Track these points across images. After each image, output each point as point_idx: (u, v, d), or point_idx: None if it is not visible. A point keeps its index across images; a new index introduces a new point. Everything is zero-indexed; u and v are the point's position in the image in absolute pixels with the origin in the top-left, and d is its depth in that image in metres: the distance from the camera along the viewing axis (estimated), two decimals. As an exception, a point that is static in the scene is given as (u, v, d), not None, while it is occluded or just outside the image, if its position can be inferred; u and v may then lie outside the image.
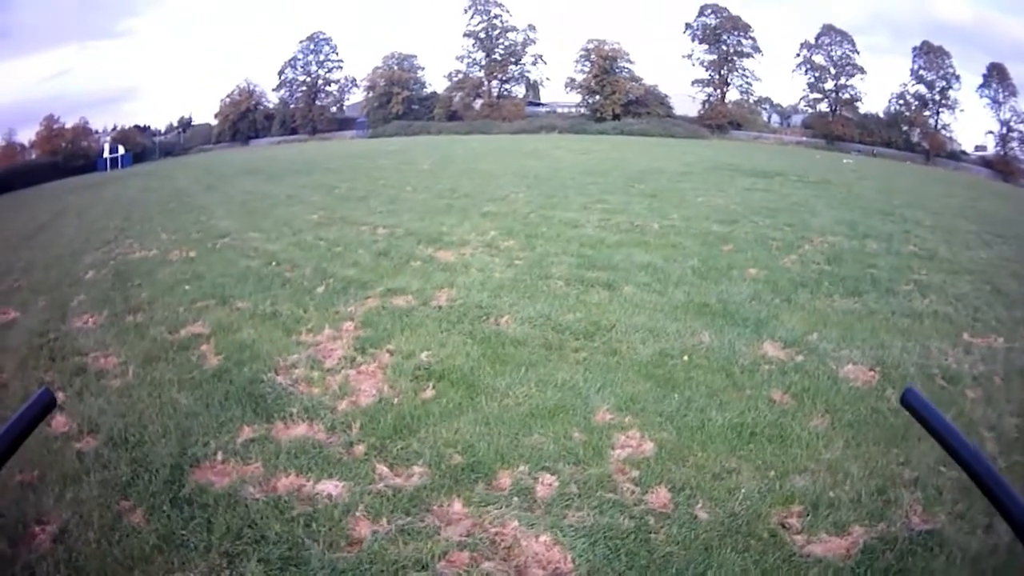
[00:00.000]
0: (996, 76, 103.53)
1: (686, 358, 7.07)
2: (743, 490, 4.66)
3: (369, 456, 4.82)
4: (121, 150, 52.29)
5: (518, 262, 11.10)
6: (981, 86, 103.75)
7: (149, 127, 77.26)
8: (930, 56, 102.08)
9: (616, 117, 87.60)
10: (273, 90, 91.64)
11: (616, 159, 31.18)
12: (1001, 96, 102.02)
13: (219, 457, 4.83)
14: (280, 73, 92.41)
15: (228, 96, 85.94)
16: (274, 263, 11.05)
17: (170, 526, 4.01)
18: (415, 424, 5.36)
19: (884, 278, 11.42)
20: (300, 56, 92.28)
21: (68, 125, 53.27)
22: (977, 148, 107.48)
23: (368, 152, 37.36)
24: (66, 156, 48.41)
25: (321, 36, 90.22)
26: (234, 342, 7.27)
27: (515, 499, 4.36)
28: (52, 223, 17.74)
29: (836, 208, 19.37)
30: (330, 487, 4.41)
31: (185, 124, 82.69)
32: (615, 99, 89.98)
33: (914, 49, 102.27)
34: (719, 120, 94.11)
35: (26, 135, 50.87)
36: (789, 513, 4.44)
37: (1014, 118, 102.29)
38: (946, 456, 3.67)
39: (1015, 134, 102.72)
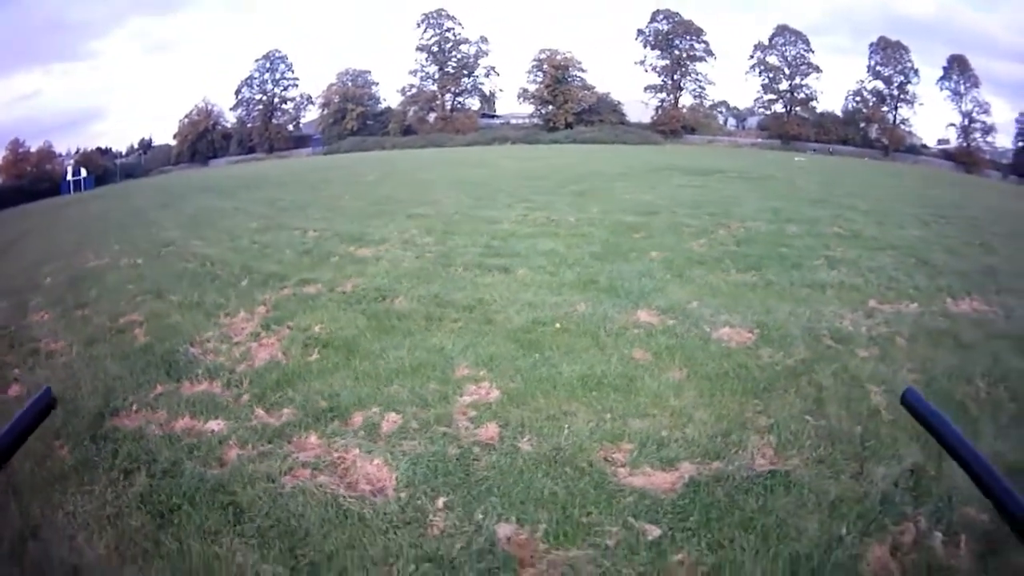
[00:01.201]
0: (957, 68, 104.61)
1: (558, 325, 7.84)
2: (572, 428, 5.24)
3: (251, 403, 5.79)
4: (83, 173, 53.03)
5: (428, 254, 11.90)
6: (941, 78, 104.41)
7: (111, 149, 77.31)
8: (888, 51, 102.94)
9: (569, 126, 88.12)
10: (230, 109, 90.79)
11: (559, 165, 32.13)
12: (963, 87, 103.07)
13: (134, 408, 5.83)
14: (237, 92, 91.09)
15: (187, 116, 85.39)
16: (208, 264, 11.94)
17: (86, 454, 5.03)
18: (295, 379, 6.31)
19: (793, 255, 11.95)
20: (256, 75, 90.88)
21: (33, 149, 53.79)
22: (940, 142, 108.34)
23: (319, 168, 38.49)
24: (31, 180, 49.30)
25: (277, 54, 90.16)
26: (162, 325, 8.30)
27: (361, 432, 5.23)
28: (17, 241, 18.45)
29: (768, 199, 19.87)
30: (214, 425, 5.40)
31: (146, 146, 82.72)
32: (567, 108, 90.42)
33: (871, 45, 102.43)
34: (672, 125, 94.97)
35: None
36: (617, 449, 4.96)
37: (976, 109, 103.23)
38: (813, 405, 5.38)
39: (977, 124, 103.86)
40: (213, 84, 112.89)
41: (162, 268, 11.99)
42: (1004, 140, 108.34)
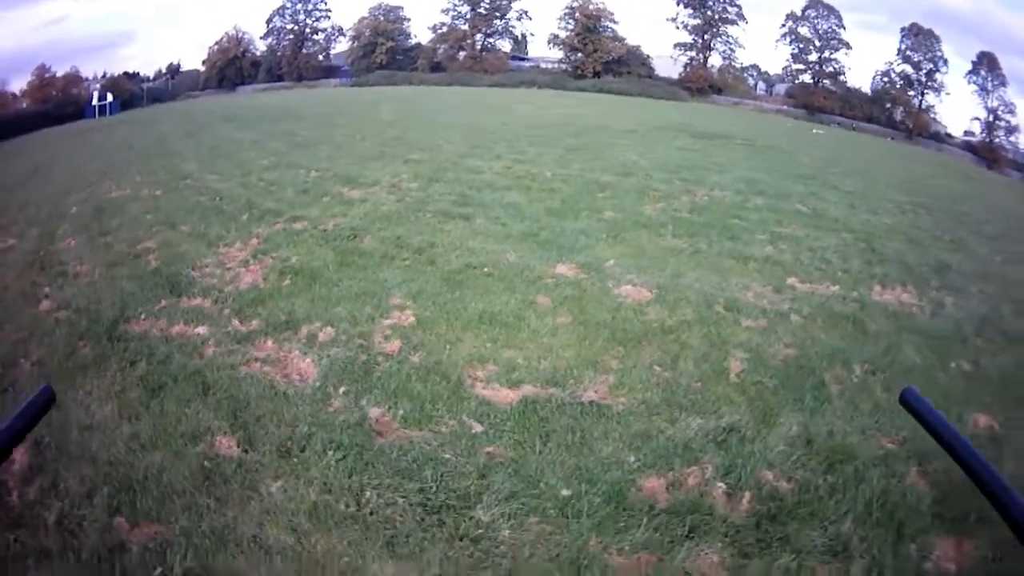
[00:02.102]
0: (986, 64, 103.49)
1: (486, 270, 9.07)
2: (455, 349, 6.73)
3: (230, 315, 7.50)
4: (110, 98, 53.91)
5: (408, 199, 13.01)
6: (970, 72, 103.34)
7: (139, 74, 77.52)
8: (919, 38, 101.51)
9: (597, 75, 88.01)
10: (261, 38, 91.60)
11: (572, 116, 32.45)
12: (990, 85, 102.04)
13: (142, 316, 7.50)
14: (268, 21, 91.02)
15: (216, 43, 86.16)
16: (218, 199, 13.21)
17: (103, 350, 6.72)
18: (267, 299, 7.93)
19: (738, 227, 12.44)
20: (289, 5, 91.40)
21: (60, 74, 53.68)
22: (966, 133, 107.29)
23: (341, 102, 39.42)
24: (56, 104, 49.40)
25: None
26: (171, 253, 9.78)
27: (304, 340, 6.89)
28: (44, 168, 19.59)
29: (756, 170, 20.12)
30: (200, 330, 7.11)
31: (174, 71, 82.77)
32: (596, 57, 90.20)
33: (903, 29, 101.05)
34: (699, 84, 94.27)
35: (18, 84, 51.45)
36: (481, 368, 6.38)
37: (1002, 107, 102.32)
38: (668, 359, 6.83)
39: (1002, 123, 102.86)
40: (244, 12, 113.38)
41: (178, 201, 13.24)
42: None
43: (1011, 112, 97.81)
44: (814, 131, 53.44)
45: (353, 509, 4.37)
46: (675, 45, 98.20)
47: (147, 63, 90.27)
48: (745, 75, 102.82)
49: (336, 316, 7.49)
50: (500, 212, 12.17)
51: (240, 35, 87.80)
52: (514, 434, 5.40)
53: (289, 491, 4.53)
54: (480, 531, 4.35)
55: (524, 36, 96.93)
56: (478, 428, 5.44)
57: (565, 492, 4.73)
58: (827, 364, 7.19)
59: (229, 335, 7.05)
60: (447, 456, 5.05)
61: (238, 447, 5.09)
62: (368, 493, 4.51)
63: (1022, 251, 15.29)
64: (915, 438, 5.64)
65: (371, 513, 4.35)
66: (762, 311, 8.46)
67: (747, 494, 4.90)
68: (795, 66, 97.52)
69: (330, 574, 3.93)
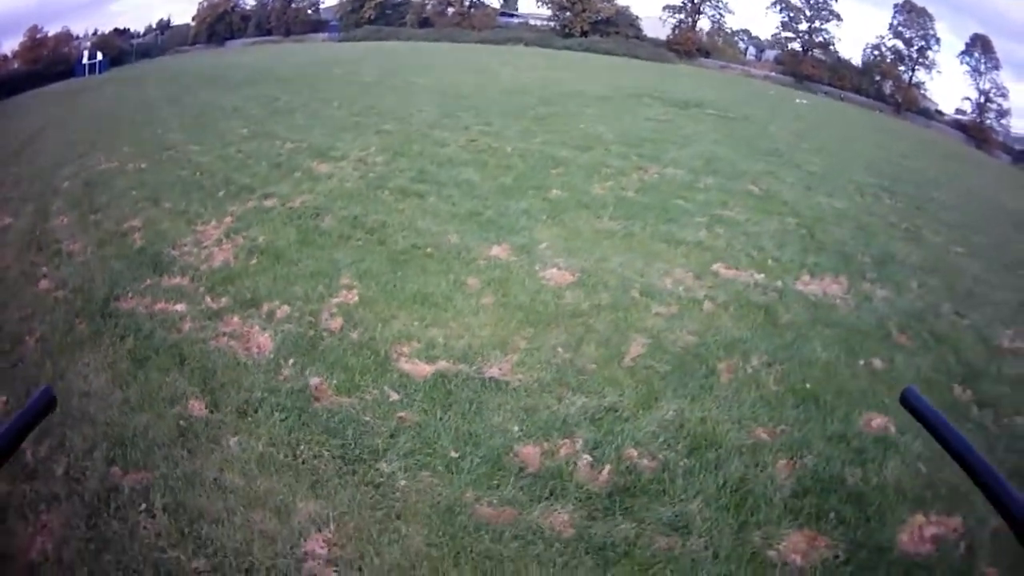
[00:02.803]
0: (980, 47, 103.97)
1: (428, 250, 9.88)
2: (388, 326, 7.66)
3: (204, 293, 8.43)
4: (99, 56, 54.00)
5: (371, 175, 13.65)
6: (963, 53, 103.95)
7: (128, 30, 78.10)
8: (912, 15, 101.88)
9: (584, 34, 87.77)
10: None
11: (551, 79, 32.90)
12: (983, 67, 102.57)
13: (129, 295, 8.48)
14: None
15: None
16: (198, 173, 13.93)
17: (97, 327, 7.77)
18: (236, 278, 8.86)
19: (678, 209, 12.78)
20: None
21: (51, 33, 53.73)
22: (958, 111, 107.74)
23: (326, 60, 39.17)
24: (47, 63, 49.77)
25: None
26: (155, 231, 10.64)
27: (264, 316, 7.84)
28: (36, 137, 20.21)
29: (720, 144, 20.15)
30: (178, 307, 8.10)
31: (164, 26, 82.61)
32: (584, 17, 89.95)
33: (895, 5, 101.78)
34: (687, 47, 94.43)
35: (10, 46, 50.76)
36: (407, 345, 7.30)
37: (994, 90, 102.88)
38: (572, 341, 7.67)
39: (993, 105, 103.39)
40: None
41: (161, 175, 13.95)
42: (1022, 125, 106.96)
43: (1003, 95, 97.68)
44: (797, 100, 53.66)
45: (290, 459, 5.46)
46: (664, 7, 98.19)
47: (138, 20, 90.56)
48: (735, 39, 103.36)
49: (293, 295, 8.41)
50: (453, 191, 12.76)
51: None
52: (423, 403, 6.32)
53: (243, 444, 5.63)
54: (382, 480, 5.32)
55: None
56: (395, 396, 6.41)
57: (454, 453, 5.66)
58: (724, 353, 7.65)
59: (203, 312, 8.05)
60: (367, 419, 6.05)
61: (206, 409, 6.11)
62: (302, 447, 5.60)
63: (983, 243, 15.40)
64: (793, 432, 6.28)
65: (303, 463, 5.43)
66: (676, 297, 8.94)
67: (608, 467, 5.64)
68: (784, 34, 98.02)
69: (269, 508, 4.99)
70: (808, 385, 7.20)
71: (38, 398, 1.65)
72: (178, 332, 7.65)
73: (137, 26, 78.99)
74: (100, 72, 51.63)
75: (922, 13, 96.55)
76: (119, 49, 63.10)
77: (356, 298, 8.43)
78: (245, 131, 17.62)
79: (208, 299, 8.39)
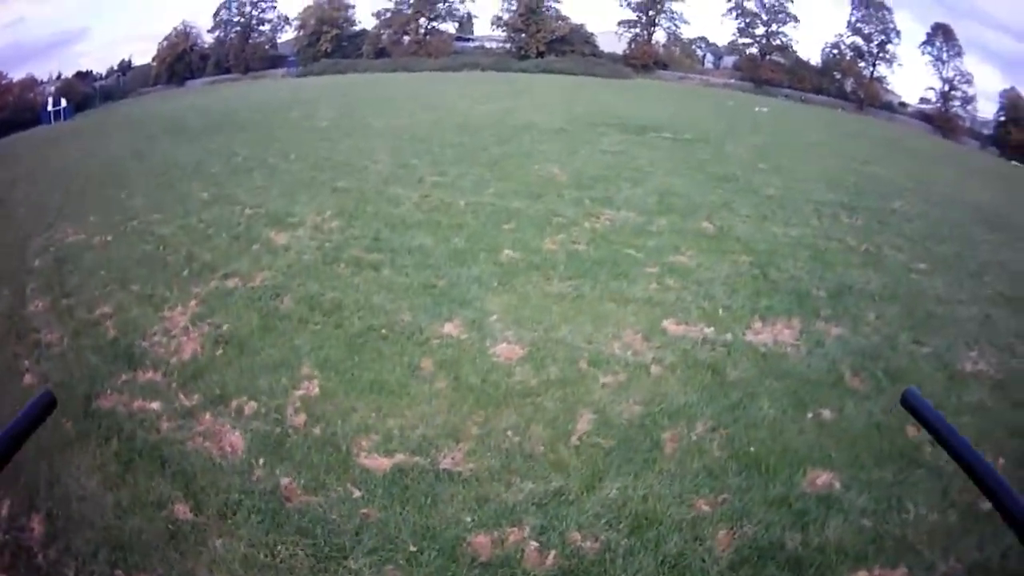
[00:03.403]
0: (941, 35, 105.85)
1: (383, 331, 10.07)
2: (347, 421, 7.94)
3: (176, 390, 8.55)
4: (63, 102, 54.17)
5: (327, 244, 13.72)
6: (924, 43, 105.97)
7: (91, 72, 78.53)
8: (870, 10, 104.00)
9: (540, 55, 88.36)
10: (208, 31, 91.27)
11: (507, 110, 33.54)
12: (945, 55, 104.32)
13: (108, 391, 8.64)
14: (215, 15, 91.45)
15: (165, 39, 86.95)
16: (162, 247, 13.98)
17: (84, 427, 7.95)
18: (205, 371, 9.05)
19: (630, 261, 13.00)
20: None
21: (16, 79, 53.91)
22: (923, 100, 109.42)
23: (284, 101, 39.69)
24: (13, 110, 49.95)
25: None
26: (125, 319, 10.72)
27: (233, 414, 8.11)
28: (6, 199, 20.30)
29: (675, 173, 20.78)
30: (155, 405, 8.27)
31: (125, 67, 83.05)
32: (539, 38, 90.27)
33: (853, 2, 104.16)
34: (644, 60, 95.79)
35: None
36: (365, 437, 7.65)
37: (958, 77, 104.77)
38: (523, 422, 7.96)
39: (957, 93, 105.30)
40: (194, 5, 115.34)
41: (127, 249, 14.07)
42: (991, 108, 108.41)
43: (967, 82, 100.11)
44: (757, 109, 53.28)
45: (269, 559, 5.91)
46: (619, 23, 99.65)
47: (101, 60, 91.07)
48: (693, 47, 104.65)
49: (258, 389, 8.61)
50: (407, 259, 12.86)
51: (188, 29, 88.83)
52: (383, 499, 6.66)
53: (227, 546, 6.05)
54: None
55: (469, 16, 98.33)
56: (357, 493, 6.74)
57: (413, 548, 6.01)
58: (669, 422, 7.79)
59: (177, 411, 8.24)
60: (333, 517, 6.38)
61: (190, 512, 6.47)
62: (279, 547, 6.04)
63: (947, 254, 15.88)
64: (734, 501, 6.49)
65: (281, 562, 5.89)
66: (624, 364, 9.11)
67: (553, 552, 5.92)
68: (742, 40, 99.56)
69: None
70: (752, 449, 7.39)
71: (38, 400, 1.72)
72: (157, 433, 7.91)
73: (100, 67, 79.77)
74: (65, 119, 52.03)
75: (880, 7, 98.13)
76: (83, 94, 63.79)
77: (317, 390, 8.65)
78: (206, 195, 17.74)
79: (181, 396, 8.61)
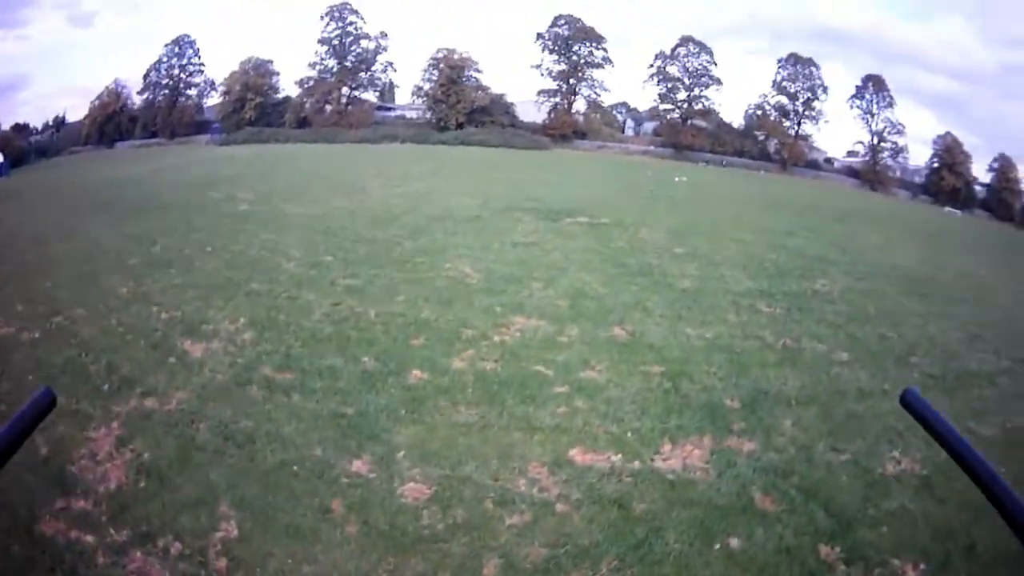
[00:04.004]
0: (872, 87, 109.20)
1: (294, 468, 10.00)
2: (263, 569, 7.88)
3: (107, 523, 8.29)
4: (0, 157, 55.35)
5: (239, 360, 13.57)
6: (853, 97, 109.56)
7: (28, 125, 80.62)
8: (797, 67, 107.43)
9: (460, 126, 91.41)
10: (138, 93, 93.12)
11: (423, 193, 34.90)
12: (875, 107, 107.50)
13: (47, 517, 8.46)
14: (145, 76, 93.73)
15: (98, 98, 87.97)
16: (84, 354, 13.61)
17: (29, 554, 7.83)
18: (131, 504, 8.60)
19: (539, 379, 12.98)
20: (165, 59, 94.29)
21: None
22: (849, 153, 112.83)
23: (205, 177, 40.57)
24: None
25: (186, 39, 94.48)
26: (55, 437, 10.35)
27: (160, 553, 7.71)
28: None
29: (587, 269, 21.06)
30: (89, 538, 7.92)
31: (59, 123, 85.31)
32: (459, 108, 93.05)
33: (779, 60, 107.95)
34: (563, 130, 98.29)
35: None
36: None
37: (888, 129, 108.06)
38: (432, 570, 7.87)
39: (887, 144, 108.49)
40: (128, 64, 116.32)
41: (52, 352, 13.74)
42: (925, 153, 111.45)
43: (899, 132, 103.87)
44: (676, 179, 55.50)
45: None
46: (539, 92, 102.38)
47: (40, 110, 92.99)
48: (614, 112, 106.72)
49: (182, 527, 8.41)
50: (317, 381, 12.63)
51: (120, 89, 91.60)
52: None
53: None
54: None
55: (391, 84, 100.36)
56: None
57: None
58: (575, 564, 7.77)
59: (109, 546, 8.07)
60: None
61: None
62: None
63: (870, 337, 16.55)
64: None
65: None
66: (530, 503, 9.05)
67: None
68: (663, 106, 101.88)
69: None
70: (656, 587, 7.09)
71: (38, 398, 1.70)
72: (95, 568, 7.79)
73: (37, 119, 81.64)
74: (2, 174, 53.44)
75: (808, 63, 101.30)
76: (20, 149, 67.08)
77: (236, 531, 8.50)
78: (125, 290, 17.62)
79: (112, 530, 8.41)
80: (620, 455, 10.25)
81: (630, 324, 16.07)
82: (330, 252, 22.22)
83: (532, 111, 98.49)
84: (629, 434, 10.93)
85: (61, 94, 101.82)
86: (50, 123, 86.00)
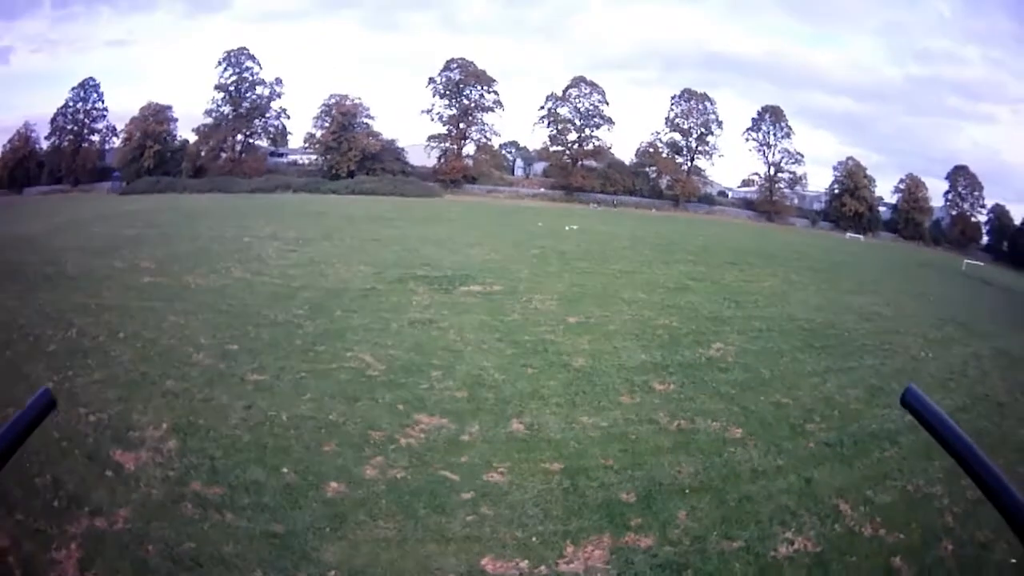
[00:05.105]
0: (769, 118, 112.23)
1: None
2: None
3: None
4: None
5: (171, 474, 13.75)
6: (749, 129, 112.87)
7: None
8: (691, 103, 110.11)
9: (351, 174, 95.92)
10: (45, 138, 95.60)
11: (316, 262, 36.49)
12: (772, 138, 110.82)
13: None
14: (53, 120, 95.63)
15: (9, 142, 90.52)
16: (28, 464, 13.23)
17: None
18: None
19: (446, 486, 13.52)
20: (71, 103, 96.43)
21: None
22: (744, 183, 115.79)
23: (108, 239, 42.29)
24: None
25: (91, 82, 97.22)
26: (23, 556, 10.51)
27: None
28: None
29: (482, 351, 21.92)
30: None
31: None
32: (351, 156, 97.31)
33: (673, 97, 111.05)
34: (454, 175, 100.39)
35: None
36: None
37: (785, 159, 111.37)
38: None
39: (784, 174, 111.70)
40: (40, 103, 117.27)
41: None
42: (825, 177, 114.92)
43: (796, 161, 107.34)
44: (567, 228, 58.53)
45: None
46: (429, 137, 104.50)
47: None
48: (503, 151, 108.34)
49: None
50: (244, 498, 13.08)
51: (30, 132, 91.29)
52: None
53: None
54: None
55: (284, 129, 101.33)
56: None
57: None
58: None
59: None
60: None
61: None
62: None
63: (766, 408, 17.18)
64: None
65: None
66: None
67: None
68: (553, 148, 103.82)
69: None
70: None
71: (37, 399, 1.69)
72: None
73: None
74: None
75: (702, 98, 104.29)
76: None
77: None
78: (50, 385, 15.97)
79: None
80: (527, 561, 10.81)
81: (528, 416, 16.57)
82: (235, 339, 22.50)
83: (422, 155, 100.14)
84: (534, 538, 11.45)
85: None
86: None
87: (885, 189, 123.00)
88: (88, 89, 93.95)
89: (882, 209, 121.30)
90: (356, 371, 19.90)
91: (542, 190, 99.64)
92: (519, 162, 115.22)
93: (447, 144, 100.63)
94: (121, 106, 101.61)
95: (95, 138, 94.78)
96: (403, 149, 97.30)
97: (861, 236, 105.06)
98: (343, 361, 20.79)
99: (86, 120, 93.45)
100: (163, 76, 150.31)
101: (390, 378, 19.35)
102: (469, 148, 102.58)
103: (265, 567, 10.85)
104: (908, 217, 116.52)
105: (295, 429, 15.98)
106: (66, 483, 13.11)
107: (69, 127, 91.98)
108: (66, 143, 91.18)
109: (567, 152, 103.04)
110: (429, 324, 25.10)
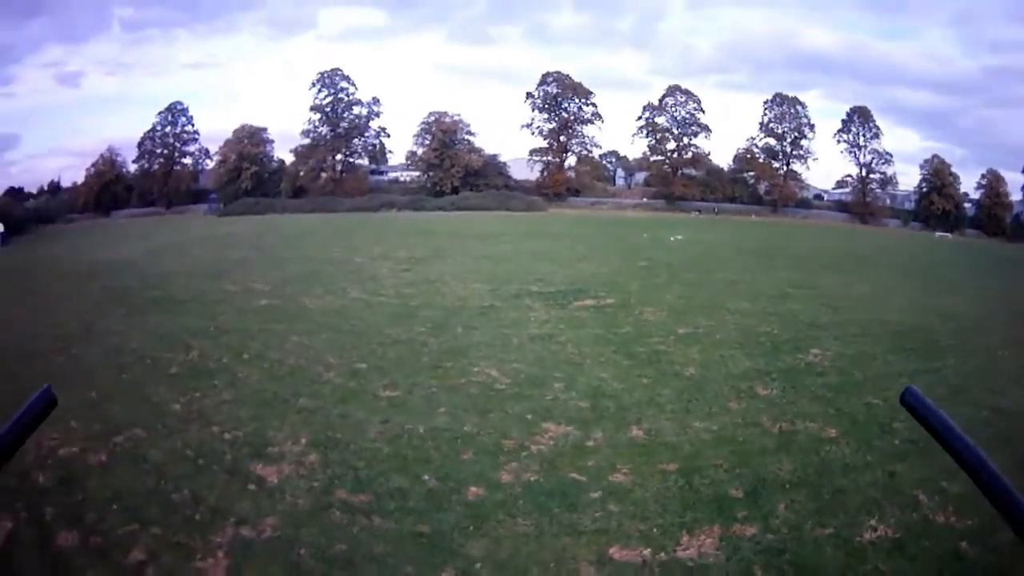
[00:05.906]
0: (858, 119, 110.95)
1: None
2: None
3: None
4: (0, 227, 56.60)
5: (315, 484, 13.89)
6: (839, 131, 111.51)
7: (23, 190, 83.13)
8: (783, 107, 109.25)
9: (455, 190, 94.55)
10: (133, 161, 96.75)
11: (431, 281, 35.75)
12: (862, 139, 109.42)
13: None
14: (140, 145, 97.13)
15: (93, 165, 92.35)
16: (162, 481, 13.62)
17: None
18: None
19: (576, 487, 13.58)
20: (158, 127, 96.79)
21: None
22: (839, 184, 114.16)
23: (214, 261, 41.86)
24: None
25: (178, 106, 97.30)
26: (165, 569, 10.65)
27: None
28: None
29: (601, 364, 21.36)
30: None
31: (55, 188, 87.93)
32: (454, 172, 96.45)
33: (765, 102, 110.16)
34: (557, 188, 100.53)
35: None
36: None
37: (875, 160, 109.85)
38: None
39: (876, 175, 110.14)
40: (115, 125, 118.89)
41: (126, 477, 13.72)
42: (913, 175, 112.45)
43: (886, 162, 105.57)
44: (672, 239, 57.25)
45: None
46: (531, 151, 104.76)
47: (29, 171, 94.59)
48: (604, 162, 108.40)
49: None
50: (390, 503, 13.23)
51: (114, 157, 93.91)
52: None
53: None
54: None
55: (383, 147, 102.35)
56: None
57: None
58: None
59: None
60: None
61: None
62: None
63: (859, 408, 17.21)
64: None
65: None
66: None
67: None
68: (653, 157, 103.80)
69: None
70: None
71: (38, 397, 1.71)
72: None
73: (28, 178, 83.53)
74: (4, 244, 54.81)
75: (794, 102, 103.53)
76: (16, 215, 68.07)
77: None
78: (178, 407, 17.37)
79: None
80: (649, 549, 11.15)
81: (646, 422, 16.74)
82: (362, 358, 22.51)
83: (524, 169, 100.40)
84: (655, 530, 11.76)
85: (50, 155, 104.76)
86: (45, 187, 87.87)
87: (968, 185, 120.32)
88: (176, 113, 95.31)
89: (967, 206, 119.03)
90: (484, 385, 19.99)
91: (644, 200, 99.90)
92: (620, 172, 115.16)
93: (549, 157, 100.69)
94: (205, 128, 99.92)
95: (187, 160, 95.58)
96: (505, 164, 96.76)
97: (949, 235, 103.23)
98: (471, 376, 20.81)
99: (176, 143, 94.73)
100: (249, 98, 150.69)
101: (516, 391, 19.42)
102: (570, 160, 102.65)
103: (415, 563, 11.11)
104: (991, 213, 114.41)
105: (432, 440, 16.14)
106: (206, 497, 13.14)
107: (159, 150, 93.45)
108: (156, 166, 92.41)
109: (667, 161, 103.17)
110: (548, 339, 25.07)
